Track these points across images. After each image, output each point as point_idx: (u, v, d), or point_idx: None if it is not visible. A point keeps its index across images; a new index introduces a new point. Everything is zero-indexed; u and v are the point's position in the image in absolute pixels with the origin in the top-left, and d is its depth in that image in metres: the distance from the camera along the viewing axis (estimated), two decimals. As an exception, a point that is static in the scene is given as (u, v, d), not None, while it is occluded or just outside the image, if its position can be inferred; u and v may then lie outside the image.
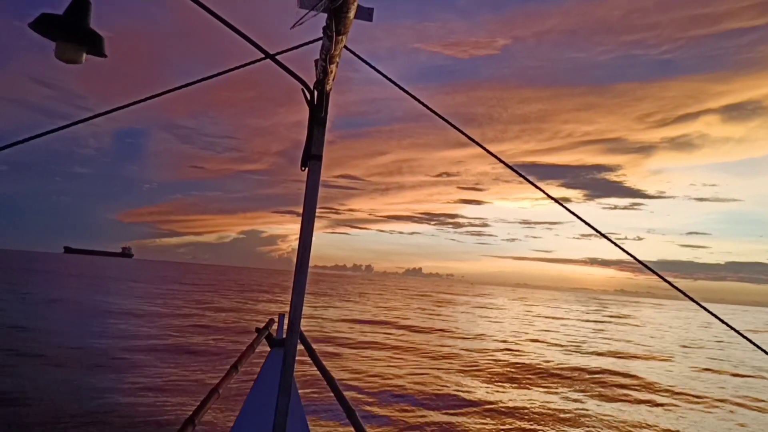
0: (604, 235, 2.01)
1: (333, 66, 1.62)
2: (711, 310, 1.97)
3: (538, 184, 2.04)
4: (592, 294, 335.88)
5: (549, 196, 2.04)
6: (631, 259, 1.98)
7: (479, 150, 1.99)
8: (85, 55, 1.71)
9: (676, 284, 1.94)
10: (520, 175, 2.02)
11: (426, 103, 1.92)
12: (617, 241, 1.96)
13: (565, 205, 2.03)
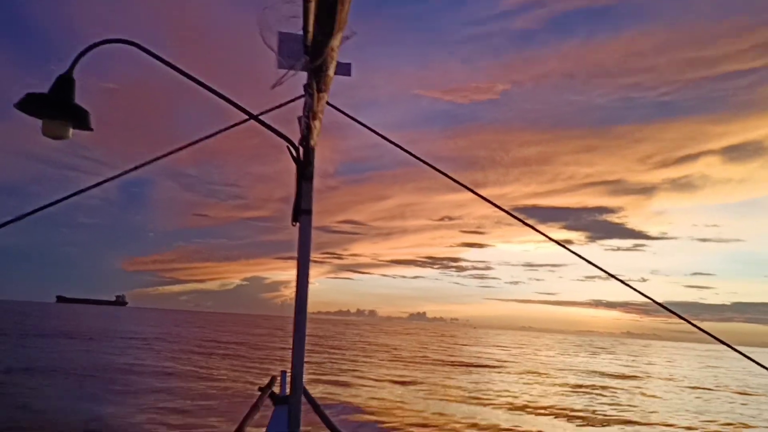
0: (614, 276, 2.04)
1: (316, 122, 1.67)
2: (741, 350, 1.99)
3: (540, 227, 2.08)
4: (602, 337, 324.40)
5: (550, 239, 2.07)
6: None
7: (480, 193, 2.03)
8: (71, 129, 1.70)
9: (701, 326, 2.01)
10: (519, 220, 2.08)
11: (412, 151, 2.05)
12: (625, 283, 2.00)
13: (567, 246, 2.05)
